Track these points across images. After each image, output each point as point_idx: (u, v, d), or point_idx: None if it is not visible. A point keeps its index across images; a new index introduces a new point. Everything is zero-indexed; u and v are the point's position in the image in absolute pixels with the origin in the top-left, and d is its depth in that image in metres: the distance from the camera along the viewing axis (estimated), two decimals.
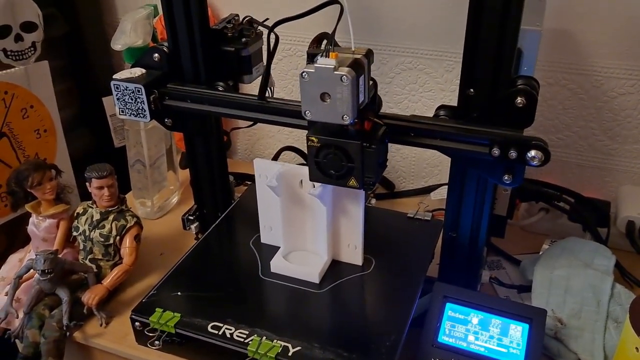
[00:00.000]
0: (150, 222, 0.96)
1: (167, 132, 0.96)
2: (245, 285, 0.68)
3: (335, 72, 0.51)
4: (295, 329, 0.61)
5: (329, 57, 0.52)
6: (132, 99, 0.69)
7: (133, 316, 0.64)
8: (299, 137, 1.07)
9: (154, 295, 0.66)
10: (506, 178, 0.59)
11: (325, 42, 0.57)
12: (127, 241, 0.78)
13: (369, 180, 0.57)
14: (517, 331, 0.61)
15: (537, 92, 0.57)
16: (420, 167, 1.01)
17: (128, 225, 0.78)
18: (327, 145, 0.56)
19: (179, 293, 0.66)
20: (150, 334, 0.63)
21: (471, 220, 0.66)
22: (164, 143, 0.97)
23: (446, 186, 0.98)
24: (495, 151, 0.57)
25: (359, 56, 0.54)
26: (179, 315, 0.62)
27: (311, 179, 0.59)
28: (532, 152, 0.56)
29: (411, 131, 0.61)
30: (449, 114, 0.62)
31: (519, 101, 0.56)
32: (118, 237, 0.78)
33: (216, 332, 0.60)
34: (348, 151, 0.55)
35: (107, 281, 0.75)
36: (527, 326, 0.62)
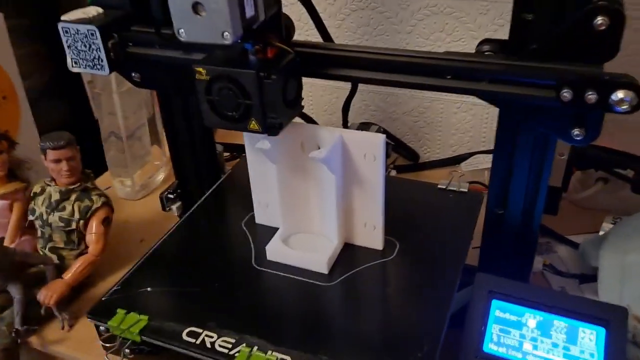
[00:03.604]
0: (131, 203, 0.84)
1: (149, 97, 0.82)
2: (233, 277, 0.54)
3: None
4: (297, 336, 0.48)
5: None
6: (85, 46, 0.55)
7: (89, 319, 0.50)
8: (305, 101, 0.92)
9: (117, 292, 0.52)
10: (576, 133, 0.44)
11: None
12: (93, 226, 0.65)
13: (273, 122, 0.47)
14: (590, 337, 0.47)
15: (622, 7, 0.41)
16: (447, 134, 0.86)
17: (94, 207, 0.65)
18: (217, 77, 0.46)
19: (148, 289, 0.52)
20: (110, 344, 0.50)
21: (524, 193, 0.51)
22: (144, 110, 0.83)
23: (480, 155, 0.84)
24: (566, 94, 0.42)
25: None
26: (146, 318, 0.49)
27: (206, 124, 0.49)
28: (620, 94, 0.40)
29: (446, 72, 0.46)
30: (497, 48, 0.47)
31: (599, 22, 0.41)
32: (82, 221, 0.64)
33: (193, 340, 0.47)
34: (242, 84, 0.45)
35: (68, 275, 0.62)
36: (603, 331, 0.47)
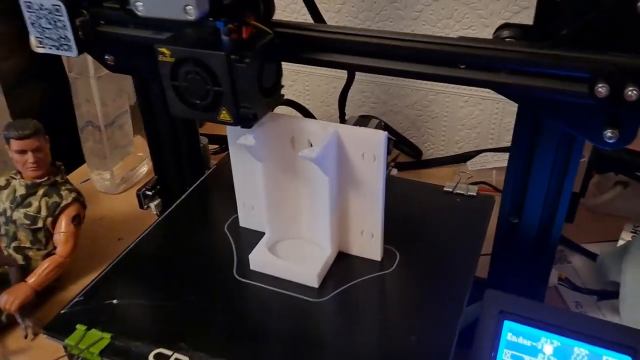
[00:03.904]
0: (110, 197, 0.78)
1: (132, 83, 0.76)
2: (211, 290, 0.48)
3: None
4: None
5: None
6: (50, 24, 0.49)
7: (46, 335, 0.44)
8: (301, 92, 0.86)
9: (79, 304, 0.46)
10: (609, 134, 0.38)
11: None
12: (62, 224, 0.59)
13: (246, 112, 0.41)
14: None
15: None
16: (453, 129, 0.80)
17: (63, 203, 0.59)
18: (183, 59, 0.40)
19: (114, 301, 0.46)
20: None
21: (543, 201, 0.45)
22: (126, 97, 0.76)
23: (488, 153, 0.78)
24: (602, 89, 0.36)
25: None
26: (108, 336, 0.42)
27: (172, 112, 0.43)
28: None
29: (460, 60, 0.40)
30: (518, 34, 0.41)
31: None
32: (50, 219, 0.58)
33: None
34: (211, 67, 0.40)
35: (33, 279, 0.56)
36: None
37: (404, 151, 0.82)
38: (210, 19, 0.38)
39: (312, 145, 0.45)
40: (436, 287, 0.47)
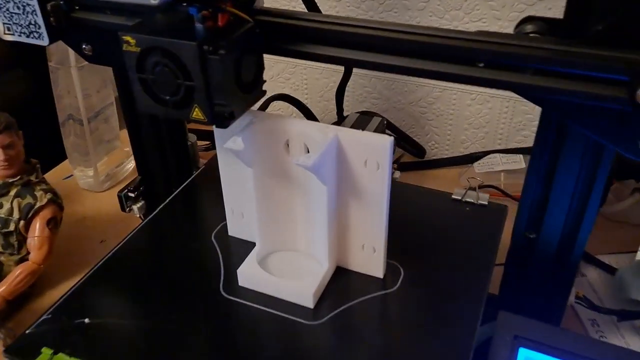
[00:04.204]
0: (94, 195, 0.74)
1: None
2: (195, 309, 0.43)
3: None
4: None
5: None
6: (19, 8, 0.44)
7: (6, 358, 0.40)
8: (299, 86, 0.81)
9: (47, 322, 0.41)
10: None
11: None
12: (37, 228, 0.55)
13: (222, 110, 0.37)
14: None
15: None
16: (459, 128, 0.75)
17: (38, 205, 0.54)
18: (150, 49, 0.36)
19: (86, 320, 0.41)
20: None
21: (566, 215, 0.40)
22: (111, 88, 0.71)
23: (496, 154, 0.73)
24: None
25: None
26: None
27: (139, 108, 0.39)
28: None
29: (477, 58, 0.35)
30: (544, 29, 0.36)
31: None
32: (22, 222, 0.54)
33: None
34: (181, 59, 0.35)
35: (4, 287, 0.52)
36: None
37: (406, 149, 0.77)
38: (184, 4, 0.34)
39: (308, 150, 0.40)
40: (445, 308, 0.42)
